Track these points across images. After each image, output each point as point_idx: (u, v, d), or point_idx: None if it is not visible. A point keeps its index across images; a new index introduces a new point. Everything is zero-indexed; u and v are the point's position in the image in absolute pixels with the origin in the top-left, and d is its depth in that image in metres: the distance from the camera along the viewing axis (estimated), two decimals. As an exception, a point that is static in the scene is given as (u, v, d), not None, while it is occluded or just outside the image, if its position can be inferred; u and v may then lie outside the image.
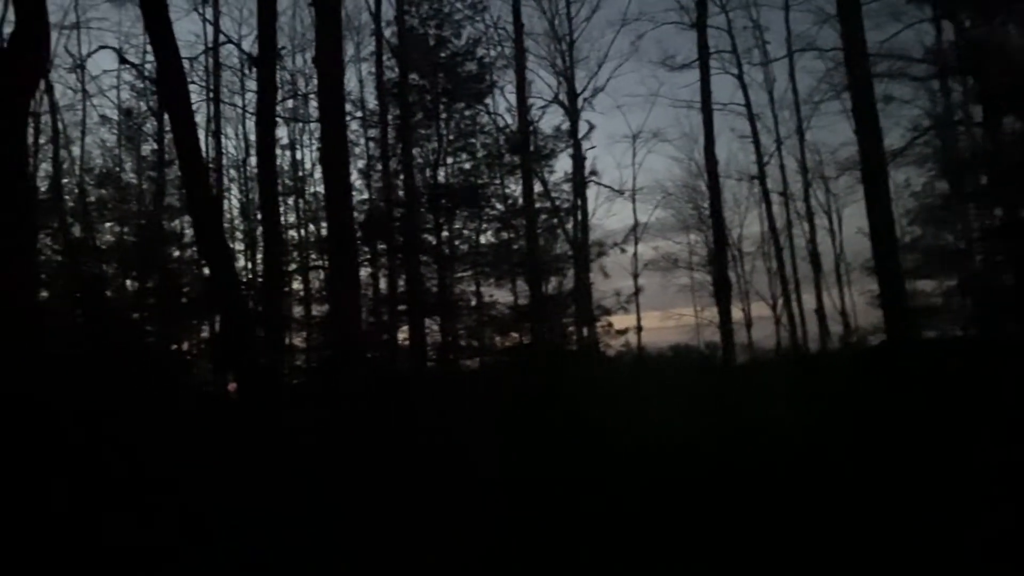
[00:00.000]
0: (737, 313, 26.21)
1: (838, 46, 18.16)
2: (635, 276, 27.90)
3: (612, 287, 25.43)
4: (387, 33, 20.49)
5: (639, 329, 26.83)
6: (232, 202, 24.74)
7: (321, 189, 20.12)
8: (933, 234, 21.68)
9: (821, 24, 23.46)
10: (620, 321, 25.01)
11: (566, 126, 24.54)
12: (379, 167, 20.70)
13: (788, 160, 26.64)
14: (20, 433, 7.22)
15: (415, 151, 19.66)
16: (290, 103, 24.19)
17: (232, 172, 24.76)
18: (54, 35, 18.51)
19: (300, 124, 24.06)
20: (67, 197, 20.96)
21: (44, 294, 16.13)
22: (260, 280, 18.70)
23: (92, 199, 21.26)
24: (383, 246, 19.64)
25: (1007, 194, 16.79)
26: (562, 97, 25.39)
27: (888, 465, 8.22)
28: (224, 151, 23.77)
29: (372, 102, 21.71)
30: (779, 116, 26.51)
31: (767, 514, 6.90)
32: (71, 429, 8.05)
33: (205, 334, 19.55)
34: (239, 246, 23.28)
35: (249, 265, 23.08)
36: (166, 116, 19.73)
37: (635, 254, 28.13)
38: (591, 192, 31.14)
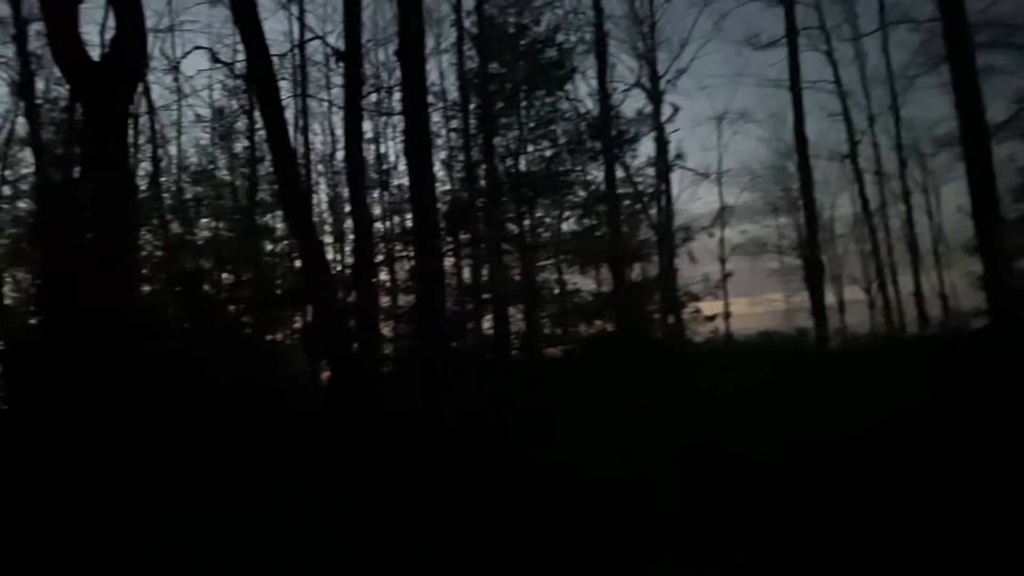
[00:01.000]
0: (829, 298, 25.47)
1: (935, 16, 17.39)
2: (722, 261, 27.38)
3: (700, 273, 25.06)
4: (467, 23, 20.59)
5: (727, 315, 26.33)
6: (320, 196, 25.32)
7: (405, 181, 20.40)
8: (1041, 210, 20.59)
9: (917, -6, 22.39)
10: (708, 307, 24.61)
11: (648, 110, 24.21)
12: (461, 157, 20.83)
13: (881, 138, 25.70)
14: (127, 423, 7.57)
15: (496, 140, 19.71)
16: (374, 97, 24.59)
17: (320, 167, 25.33)
18: (150, 38, 19.29)
19: (384, 117, 24.39)
20: (165, 195, 21.89)
21: (146, 288, 16.88)
22: (349, 271, 19.12)
23: (189, 196, 22.11)
24: (466, 236, 19.79)
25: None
26: (644, 80, 25.00)
27: (997, 463, 7.83)
28: (312, 146, 24.34)
29: (453, 93, 21.85)
30: (871, 93, 25.50)
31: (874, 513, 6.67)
32: (174, 420, 8.39)
33: (298, 325, 20.11)
34: (328, 238, 23.81)
35: (338, 257, 23.61)
36: (256, 113, 20.37)
37: (722, 239, 27.60)
38: (675, 176, 30.68)
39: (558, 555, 6.07)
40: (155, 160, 22.00)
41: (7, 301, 18.54)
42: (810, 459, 8.64)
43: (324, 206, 24.79)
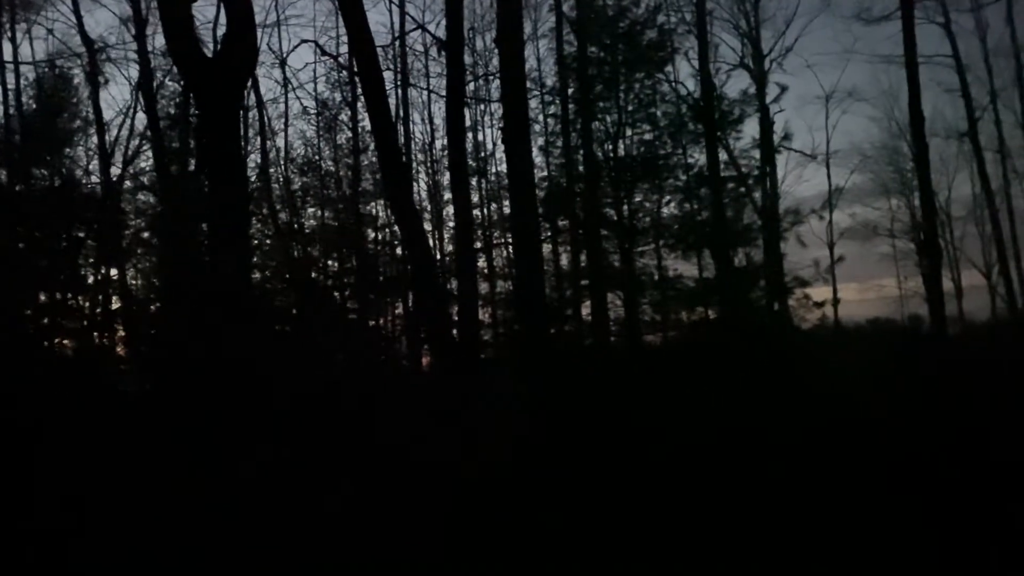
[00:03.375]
0: (946, 283, 24.21)
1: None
2: (831, 245, 26.40)
3: (808, 258, 24.26)
4: (566, 7, 20.45)
5: (836, 302, 25.38)
6: (420, 185, 25.73)
7: (503, 168, 20.48)
8: None
9: (1045, -42, 20.89)
10: (816, 293, 23.73)
11: (752, 90, 23.53)
12: (559, 143, 20.72)
13: (1004, 114, 24.25)
14: (239, 401, 7.90)
15: (595, 124, 19.49)
16: (472, 85, 24.76)
17: (419, 156, 25.73)
18: (259, 34, 19.94)
19: (482, 105, 24.55)
20: (274, 185, 22.68)
21: (256, 276, 17.56)
22: (450, 258, 19.36)
23: (296, 186, 22.86)
24: (564, 222, 19.70)
25: None
26: (747, 60, 24.32)
27: None
28: (412, 136, 24.73)
29: (551, 79, 21.76)
30: (993, 66, 24.02)
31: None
32: (284, 399, 8.71)
33: (400, 311, 20.56)
34: (428, 227, 24.18)
35: (438, 245, 23.96)
36: (359, 104, 20.83)
37: (830, 222, 26.58)
38: (781, 158, 29.70)
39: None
40: (264, 152, 22.82)
41: (130, 289, 19.63)
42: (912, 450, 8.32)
43: (424, 195, 25.18)
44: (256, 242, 18.89)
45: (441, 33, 14.61)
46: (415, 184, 24.54)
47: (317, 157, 23.82)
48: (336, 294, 19.77)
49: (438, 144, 24.22)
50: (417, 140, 25.85)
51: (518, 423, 8.65)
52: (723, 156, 21.81)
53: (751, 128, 24.15)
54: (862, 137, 61.68)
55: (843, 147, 48.58)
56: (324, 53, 20.59)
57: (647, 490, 7.08)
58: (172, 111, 20.88)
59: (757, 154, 23.12)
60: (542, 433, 8.62)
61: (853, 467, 7.62)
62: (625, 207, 20.32)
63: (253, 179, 21.28)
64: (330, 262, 21.32)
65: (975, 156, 23.98)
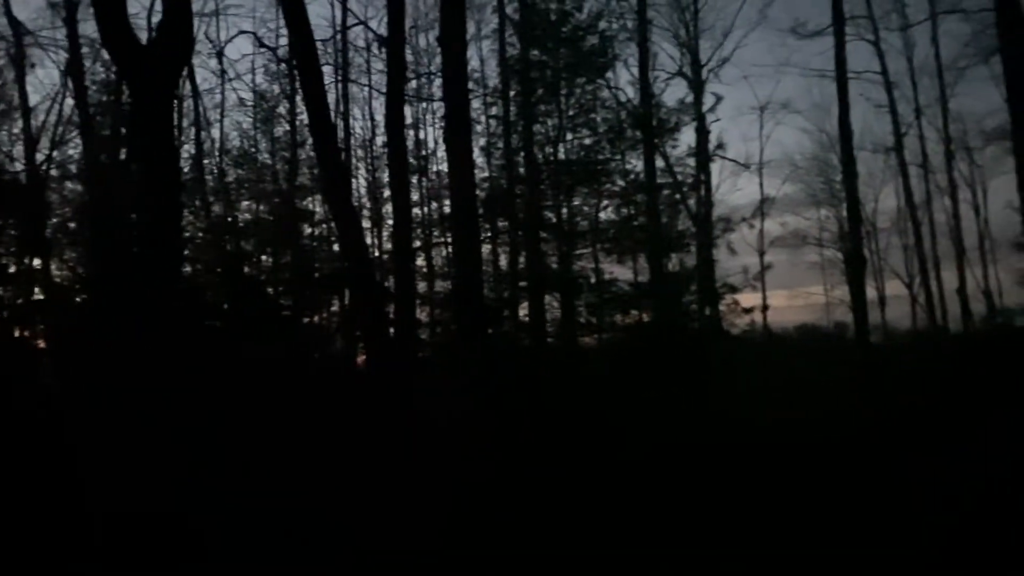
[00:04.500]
0: (870, 292, 25.05)
1: (987, 7, 16.97)
2: (761, 253, 27.11)
3: (738, 264, 24.82)
4: (509, 9, 20.52)
5: (765, 308, 26.04)
6: (359, 181, 25.49)
7: (444, 167, 20.45)
8: (1096, 207, 19.96)
9: (968, -17, 21.76)
10: (746, 299, 24.35)
11: (690, 99, 23.98)
12: (500, 144, 20.80)
13: (928, 130, 25.20)
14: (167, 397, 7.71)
15: (536, 127, 19.63)
16: (414, 83, 24.64)
17: (359, 152, 25.50)
18: (196, 22, 19.50)
19: (423, 103, 24.46)
20: (208, 177, 22.20)
21: (187, 269, 17.16)
22: (387, 256, 19.24)
23: (231, 179, 22.41)
24: (504, 223, 19.78)
25: None
26: (686, 69, 24.79)
27: None
28: (351, 131, 24.49)
29: (494, 79, 21.80)
30: (919, 84, 24.99)
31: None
32: (213, 396, 8.53)
33: (336, 308, 20.32)
34: (366, 224, 23.99)
35: (376, 242, 23.78)
36: (298, 98, 20.54)
37: (761, 230, 27.30)
38: (715, 167, 30.28)
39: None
40: (198, 143, 22.32)
41: (55, 280, 18.96)
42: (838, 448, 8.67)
43: (363, 191, 24.97)
44: (188, 235, 18.47)
45: (384, 30, 14.50)
46: (354, 180, 24.31)
47: (253, 150, 23.42)
48: (270, 290, 19.46)
49: (378, 140, 24.04)
50: (357, 136, 25.61)
51: (455, 423, 8.66)
52: (660, 163, 22.23)
53: (688, 136, 24.61)
54: (794, 148, 63.45)
55: (776, 157, 49.86)
56: (262, 45, 20.23)
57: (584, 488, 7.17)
58: (104, 98, 20.26)
59: (693, 162, 23.63)
60: (477, 432, 8.64)
61: (775, 465, 7.87)
62: (564, 210, 20.51)
63: (186, 170, 20.81)
64: (264, 257, 20.99)
65: (900, 170, 24.90)
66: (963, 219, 25.03)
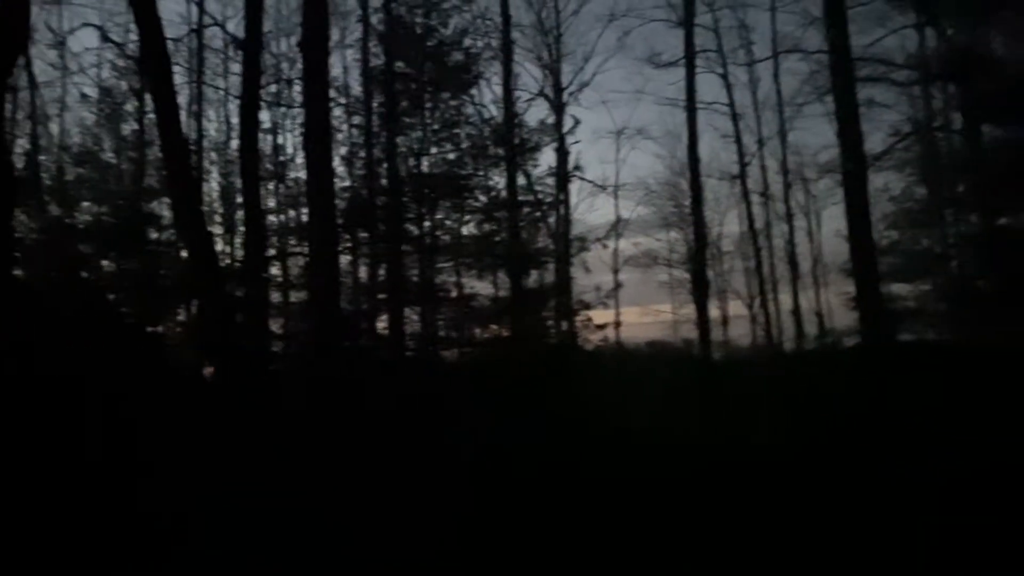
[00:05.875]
0: (714, 311, 26.41)
1: (823, 49, 18.33)
2: (615, 272, 28.02)
3: (593, 282, 25.55)
4: (374, 20, 20.36)
5: (618, 324, 26.94)
6: (212, 185, 24.52)
7: (303, 175, 19.96)
8: (910, 238, 21.96)
9: (807, 26, 23.37)
10: (599, 316, 25.12)
11: (551, 120, 24.54)
12: (362, 155, 20.55)
13: (769, 161, 26.73)
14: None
15: (399, 140, 19.57)
16: (273, 87, 24.02)
17: (213, 155, 24.55)
18: (35, 9, 18.24)
19: (283, 109, 23.87)
20: (44, 175, 20.70)
21: (19, 272, 15.91)
22: (239, 264, 18.55)
23: (70, 178, 21.00)
24: (364, 234, 19.56)
25: (984, 201, 17.03)
26: (548, 91, 25.38)
27: (859, 466, 8.40)
28: (205, 133, 23.56)
29: (357, 89, 21.57)
30: (762, 117, 26.52)
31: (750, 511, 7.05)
32: (42, 411, 7.96)
33: (182, 318, 19.40)
34: (218, 229, 23.11)
35: (228, 249, 22.92)
36: (147, 96, 19.52)
37: (616, 250, 28.25)
38: (574, 187, 31.21)
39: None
40: (34, 138, 20.78)
41: None
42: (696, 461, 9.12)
43: (215, 196, 24.04)
44: (21, 236, 17.15)
45: (242, 31, 14.05)
46: (206, 184, 23.38)
47: (97, 148, 22.06)
48: (111, 297, 18.34)
49: (234, 144, 23.21)
50: (212, 138, 24.63)
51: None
52: (521, 181, 22.66)
53: (549, 156, 25.17)
54: (648, 172, 65.89)
55: (631, 180, 51.40)
56: (107, 39, 19.13)
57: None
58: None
59: (552, 181, 24.22)
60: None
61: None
62: (427, 223, 20.53)
63: (21, 167, 19.33)
64: (106, 262, 19.78)
65: (744, 197, 26.39)
66: (798, 245, 26.76)
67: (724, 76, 25.68)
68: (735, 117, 25.63)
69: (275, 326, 21.78)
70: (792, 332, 25.45)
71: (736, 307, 28.50)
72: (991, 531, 6.02)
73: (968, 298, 18.40)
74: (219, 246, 21.09)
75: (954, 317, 19.53)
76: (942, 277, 20.93)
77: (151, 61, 10.46)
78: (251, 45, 12.22)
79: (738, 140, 25.75)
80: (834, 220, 33.22)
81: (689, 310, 24.44)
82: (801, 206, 27.61)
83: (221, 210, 23.96)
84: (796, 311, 25.49)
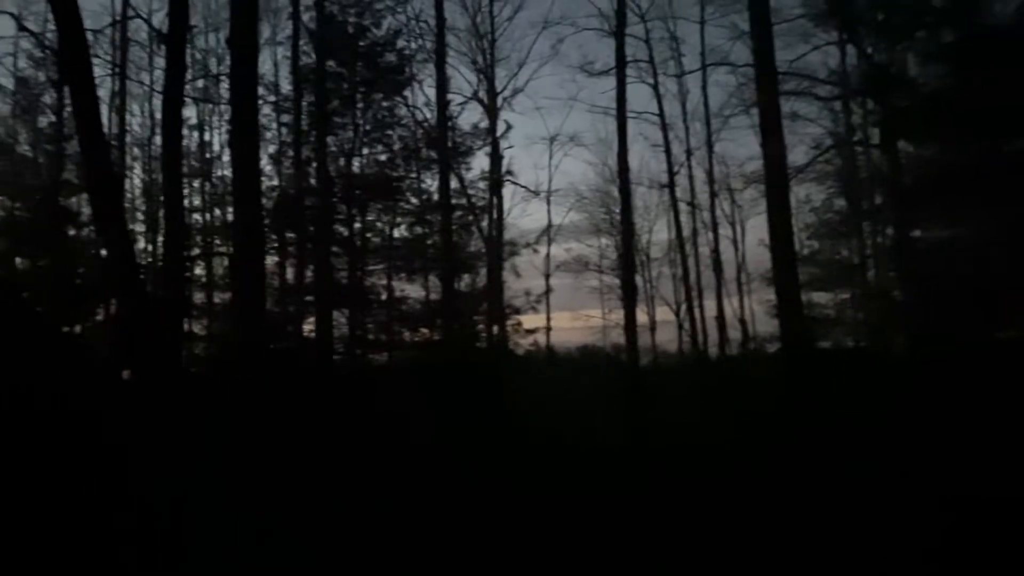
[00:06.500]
0: (643, 317, 26.84)
1: (750, 62, 18.76)
2: (547, 277, 28.26)
3: (525, 287, 25.71)
4: (305, 18, 20.05)
5: (548, 329, 27.15)
6: (135, 181, 23.85)
7: (229, 173, 19.54)
8: (830, 248, 22.67)
9: (734, 40, 24.04)
10: (531, 320, 25.29)
11: (484, 124, 24.62)
12: (291, 154, 20.24)
13: (697, 171, 27.31)
14: None
15: (330, 139, 19.29)
16: (200, 83, 23.50)
17: (136, 151, 23.89)
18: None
19: (210, 105, 23.36)
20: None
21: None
22: (160, 264, 18.03)
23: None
24: (292, 234, 19.22)
25: (899, 214, 17.67)
26: (482, 95, 25.44)
27: (780, 465, 8.67)
28: (128, 128, 22.89)
29: (287, 87, 21.23)
30: (691, 127, 27.06)
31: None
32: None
33: (101, 318, 18.78)
34: (140, 227, 22.49)
35: (150, 248, 22.31)
36: (66, 88, 18.83)
37: (548, 255, 28.48)
38: (507, 191, 31.38)
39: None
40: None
41: None
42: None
43: (137, 192, 23.41)
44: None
45: (166, 26, 13.65)
46: (128, 180, 22.70)
47: (11, 140, 21.21)
48: (25, 295, 17.61)
49: (158, 140, 22.58)
50: (135, 133, 23.94)
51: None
52: (454, 184, 22.61)
53: (481, 161, 25.21)
54: (580, 179, 66.74)
55: (564, 186, 52.06)
56: (23, 28, 18.35)
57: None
58: None
59: (485, 185, 24.27)
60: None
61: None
62: (357, 225, 20.29)
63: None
64: (20, 259, 19.02)
65: (672, 206, 26.85)
66: (724, 253, 27.31)
67: (655, 86, 26.13)
68: (665, 127, 26.08)
69: (199, 327, 21.31)
70: (717, 338, 25.99)
71: (664, 313, 29.04)
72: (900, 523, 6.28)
73: (884, 307, 19.09)
74: (141, 244, 20.53)
75: (870, 325, 20.24)
76: (860, 286, 21.67)
77: (69, 52, 10.06)
78: (175, 38, 11.87)
79: (667, 150, 26.19)
80: (758, 230, 34.16)
81: (619, 315, 24.79)
82: (727, 215, 28.28)
83: (144, 207, 23.35)
84: (720, 318, 26.05)
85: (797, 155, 20.18)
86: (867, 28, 19.17)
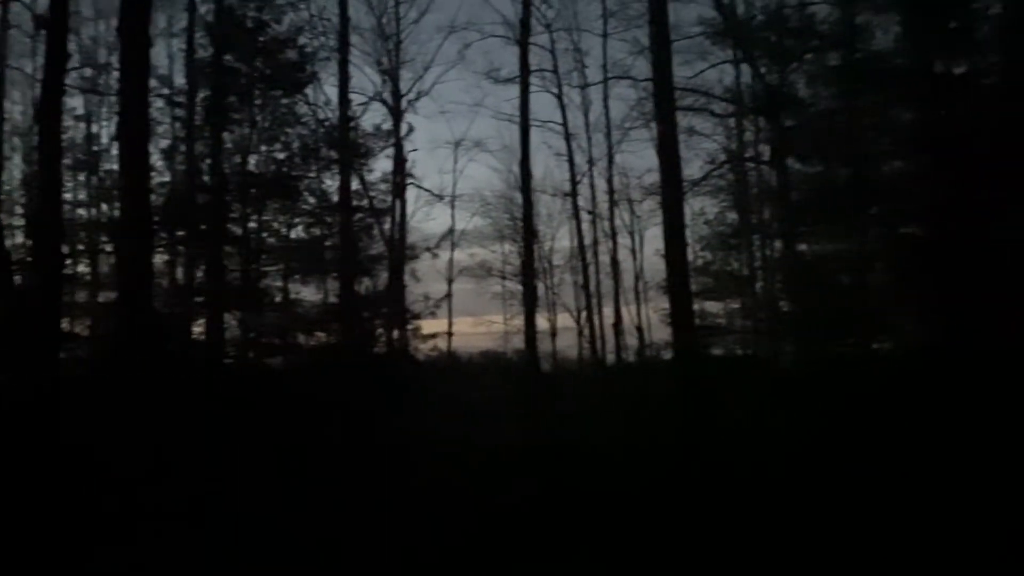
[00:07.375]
0: (544, 323, 27.04)
1: (650, 77, 19.23)
2: (450, 281, 28.18)
3: (427, 291, 25.56)
4: (203, 9, 19.38)
5: (450, 334, 27.07)
6: (14, 173, 22.56)
7: (117, 167, 18.70)
8: (722, 260, 23.43)
9: (636, 55, 24.44)
10: (432, 325, 25.16)
11: (388, 125, 24.40)
12: (184, 149, 19.52)
13: (598, 181, 27.70)
14: None
15: (225, 136, 18.65)
16: (88, 72, 22.44)
17: (16, 140, 22.63)
18: None
19: (98, 96, 22.32)
20: None
21: None
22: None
23: None
24: (183, 232, 18.50)
25: (788, 228, 18.47)
26: (385, 96, 25.22)
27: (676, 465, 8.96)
28: (8, 116, 21.66)
29: (181, 80, 20.47)
30: (593, 138, 27.44)
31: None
32: None
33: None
34: (17, 221, 21.25)
35: (29, 243, 21.09)
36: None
37: (451, 259, 28.42)
38: (410, 194, 31.10)
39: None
40: None
41: None
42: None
43: (16, 184, 22.17)
44: None
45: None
46: (6, 172, 21.45)
47: None
48: None
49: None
50: (16, 122, 22.68)
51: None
52: (355, 185, 22.29)
53: (384, 163, 24.97)
54: (485, 185, 66.83)
55: (468, 191, 52.07)
56: None
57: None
58: None
59: (388, 187, 24.04)
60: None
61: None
62: (252, 224, 19.71)
63: None
64: None
65: (574, 214, 27.24)
66: (622, 262, 27.82)
67: (559, 96, 26.45)
68: (568, 137, 26.41)
69: (81, 328, 20.25)
70: (614, 344, 26.44)
71: (565, 319, 29.38)
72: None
73: (771, 317, 19.91)
74: (19, 238, 19.39)
75: (758, 333, 21.04)
76: (749, 297, 22.48)
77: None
78: (56, 25, 11.31)
79: (570, 159, 26.54)
80: (655, 240, 35.03)
81: (520, 321, 24.91)
82: (626, 225, 28.75)
83: (25, 200, 22.11)
84: (617, 325, 26.52)
85: (693, 169, 20.76)
86: (761, 49, 19.96)
